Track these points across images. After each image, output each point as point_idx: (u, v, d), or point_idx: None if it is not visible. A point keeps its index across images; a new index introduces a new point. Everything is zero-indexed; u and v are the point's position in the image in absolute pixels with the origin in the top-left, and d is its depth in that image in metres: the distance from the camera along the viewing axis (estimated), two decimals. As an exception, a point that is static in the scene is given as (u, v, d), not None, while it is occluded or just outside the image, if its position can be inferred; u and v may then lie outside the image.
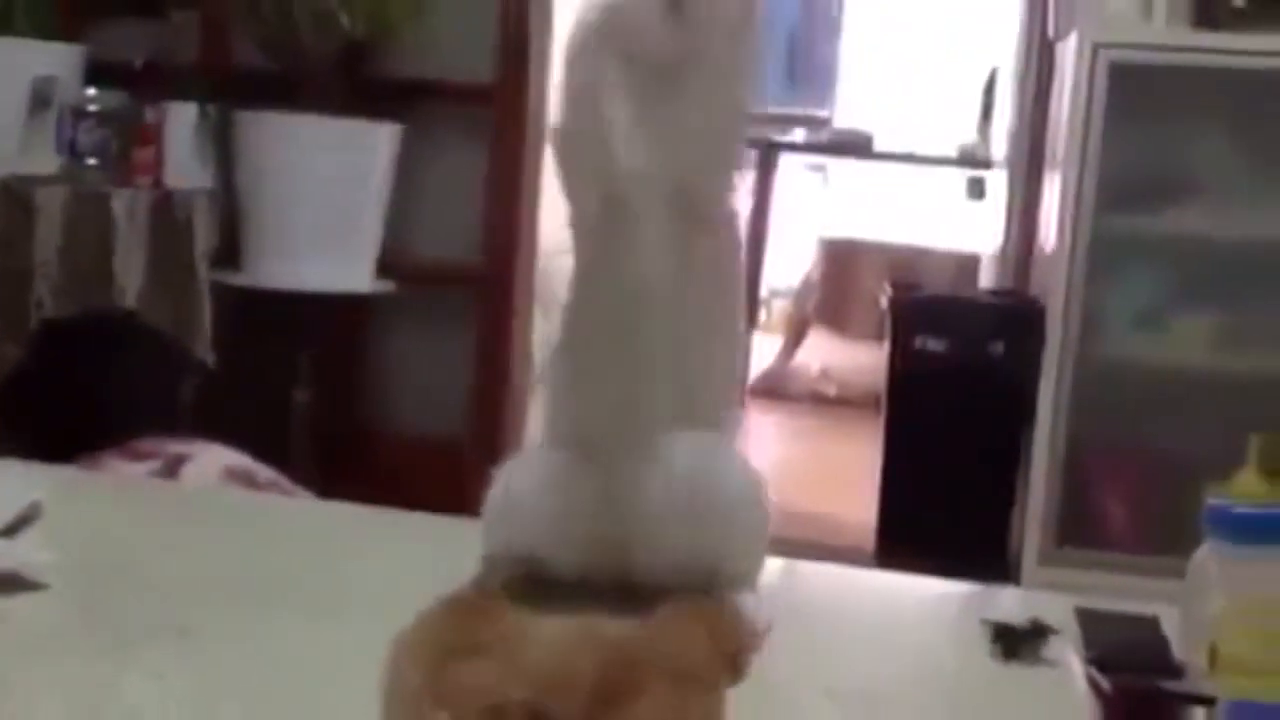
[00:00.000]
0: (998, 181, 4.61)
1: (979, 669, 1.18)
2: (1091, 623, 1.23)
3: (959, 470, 3.68)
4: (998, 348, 3.68)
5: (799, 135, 6.90)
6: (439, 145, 3.85)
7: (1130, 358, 3.50)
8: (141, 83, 3.55)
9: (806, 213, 7.36)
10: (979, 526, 3.66)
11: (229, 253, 3.55)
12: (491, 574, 1.18)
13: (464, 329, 3.95)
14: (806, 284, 6.98)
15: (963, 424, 3.69)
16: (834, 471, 5.05)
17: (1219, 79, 3.38)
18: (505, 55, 3.90)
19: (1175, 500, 3.05)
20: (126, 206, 3.15)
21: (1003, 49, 4.73)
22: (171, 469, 2.50)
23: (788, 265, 7.12)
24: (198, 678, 1.04)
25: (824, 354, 6.65)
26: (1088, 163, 3.37)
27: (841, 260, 6.81)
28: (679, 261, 1.15)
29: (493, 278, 3.95)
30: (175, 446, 2.61)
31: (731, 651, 0.85)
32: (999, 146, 4.73)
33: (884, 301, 3.99)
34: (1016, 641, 1.19)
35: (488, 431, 3.87)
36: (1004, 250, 4.27)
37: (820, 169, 7.69)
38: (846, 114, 6.99)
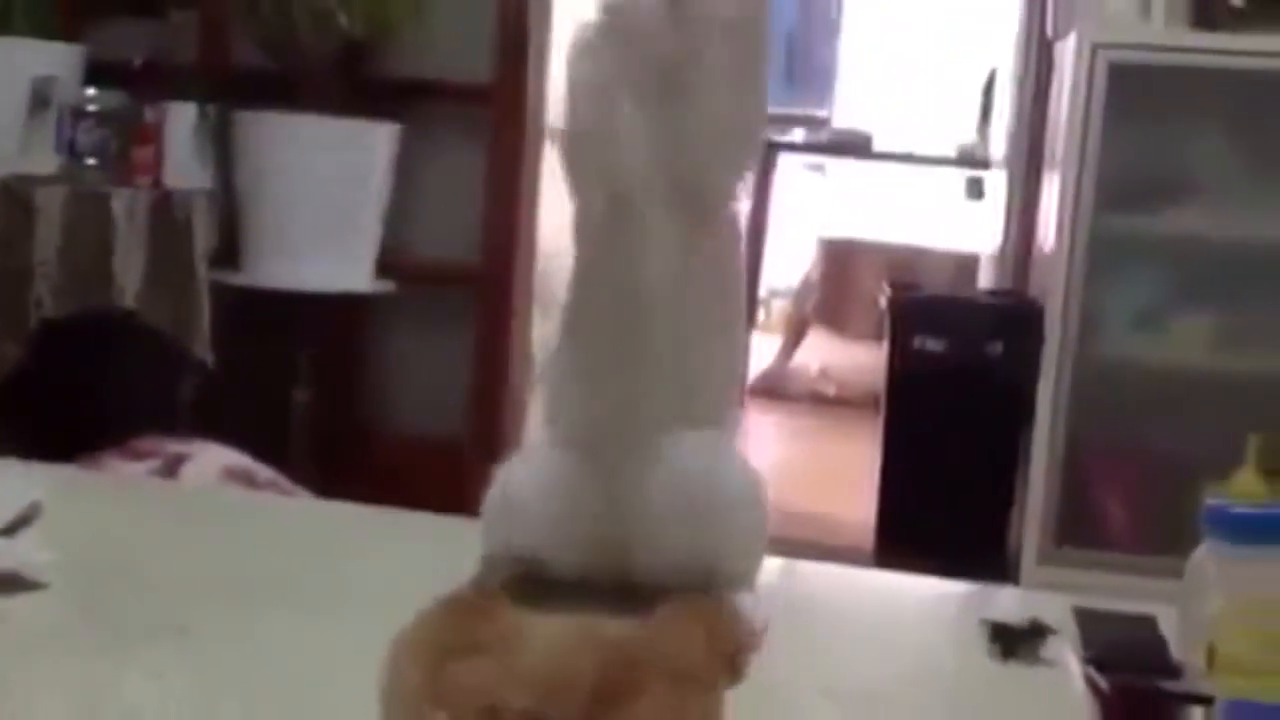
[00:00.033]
0: (997, 181, 4.61)
1: (978, 669, 1.18)
2: (1090, 622, 1.23)
3: (958, 470, 3.68)
4: (996, 348, 3.68)
5: (798, 135, 6.91)
6: (438, 145, 3.85)
7: (1129, 358, 3.50)
8: (141, 82, 3.55)
9: (806, 213, 7.36)
10: (978, 526, 3.66)
11: (228, 252, 3.55)
12: (491, 574, 1.18)
13: (463, 329, 3.95)
14: (806, 284, 6.99)
15: (962, 424, 3.69)
16: (833, 471, 5.05)
17: (1218, 79, 3.38)
18: (504, 55, 3.90)
19: (1174, 500, 3.05)
20: (126, 206, 3.15)
21: (1002, 49, 4.73)
22: (171, 468, 2.50)
23: (787, 265, 7.12)
24: (197, 677, 1.04)
25: (823, 354, 6.65)
26: (1086, 163, 3.37)
27: (840, 260, 6.82)
28: (681, 262, 1.15)
29: (492, 277, 3.95)
30: (174, 446, 2.61)
31: (730, 652, 0.85)
32: (998, 146, 4.73)
33: (883, 301, 4.00)
34: (1015, 641, 1.19)
35: (487, 431, 3.87)
36: (1003, 250, 4.27)
37: (819, 169, 7.70)
38: (845, 114, 7.00)
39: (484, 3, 3.89)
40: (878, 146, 6.50)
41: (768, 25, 1.21)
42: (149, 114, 3.44)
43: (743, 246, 1.29)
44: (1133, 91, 3.38)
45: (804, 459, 5.52)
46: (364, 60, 3.75)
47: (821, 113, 7.00)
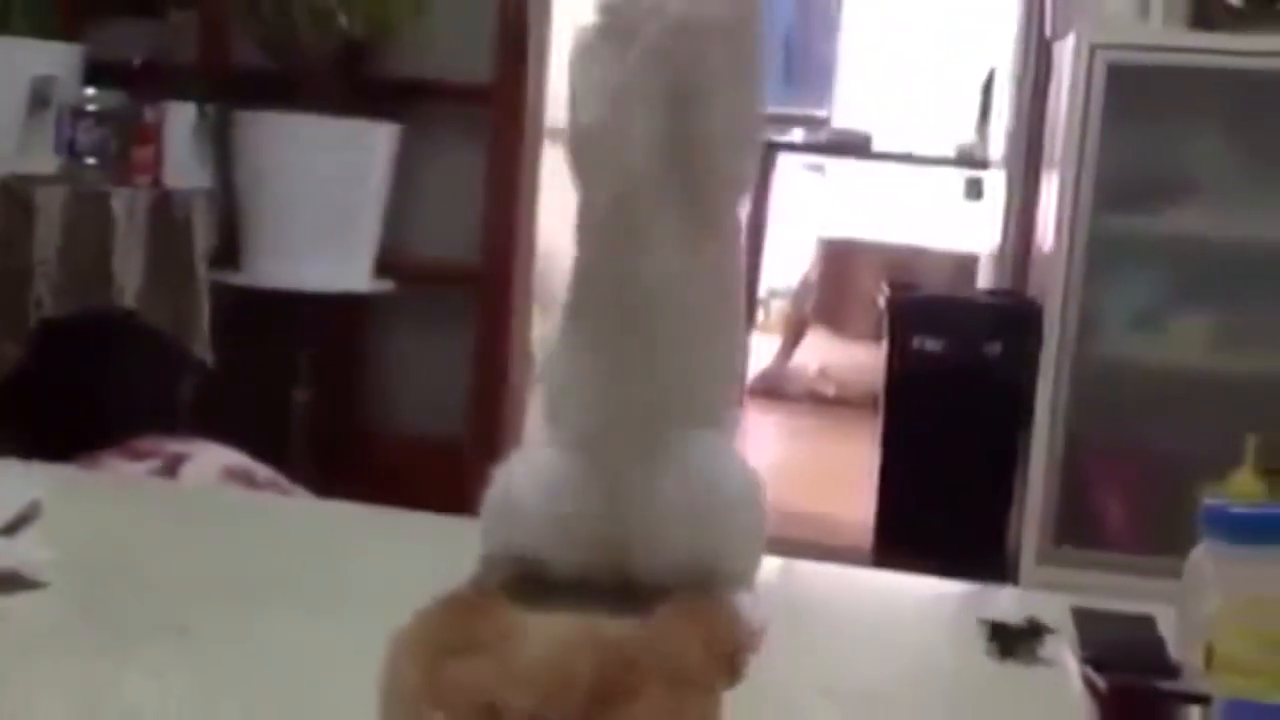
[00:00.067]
0: (995, 181, 4.61)
1: (976, 668, 1.18)
2: (1088, 622, 1.23)
3: (957, 470, 3.68)
4: (995, 348, 3.69)
5: (797, 135, 6.92)
6: (438, 145, 3.85)
7: (1128, 358, 3.51)
8: (140, 82, 3.55)
9: (805, 213, 7.36)
10: (977, 526, 3.67)
11: (228, 252, 3.55)
12: (490, 573, 1.18)
13: (463, 328, 3.95)
14: (805, 284, 6.99)
15: (960, 424, 3.70)
16: (832, 471, 5.05)
17: (1216, 79, 3.38)
18: (504, 55, 3.90)
19: (1173, 500, 3.05)
20: (125, 206, 3.16)
21: (1000, 49, 4.74)
22: (170, 468, 2.50)
23: (786, 265, 7.13)
24: (197, 676, 1.04)
25: (822, 354, 6.65)
26: (1085, 163, 3.38)
27: (840, 260, 6.82)
28: (683, 262, 1.15)
29: (491, 277, 3.95)
30: (174, 446, 2.61)
31: (729, 652, 0.85)
32: (997, 147, 4.74)
33: (882, 301, 4.00)
34: (1013, 641, 1.19)
35: (486, 431, 3.87)
36: (1002, 250, 4.27)
37: (818, 169, 7.70)
38: (845, 114, 7.00)
39: (484, 3, 3.89)
40: (877, 146, 6.51)
41: (761, 25, 1.21)
42: (149, 114, 3.44)
43: (743, 246, 1.29)
44: (1131, 92, 3.39)
45: (803, 459, 5.52)
46: (364, 60, 3.76)
47: (821, 113, 7.00)
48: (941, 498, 3.69)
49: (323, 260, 3.57)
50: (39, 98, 3.31)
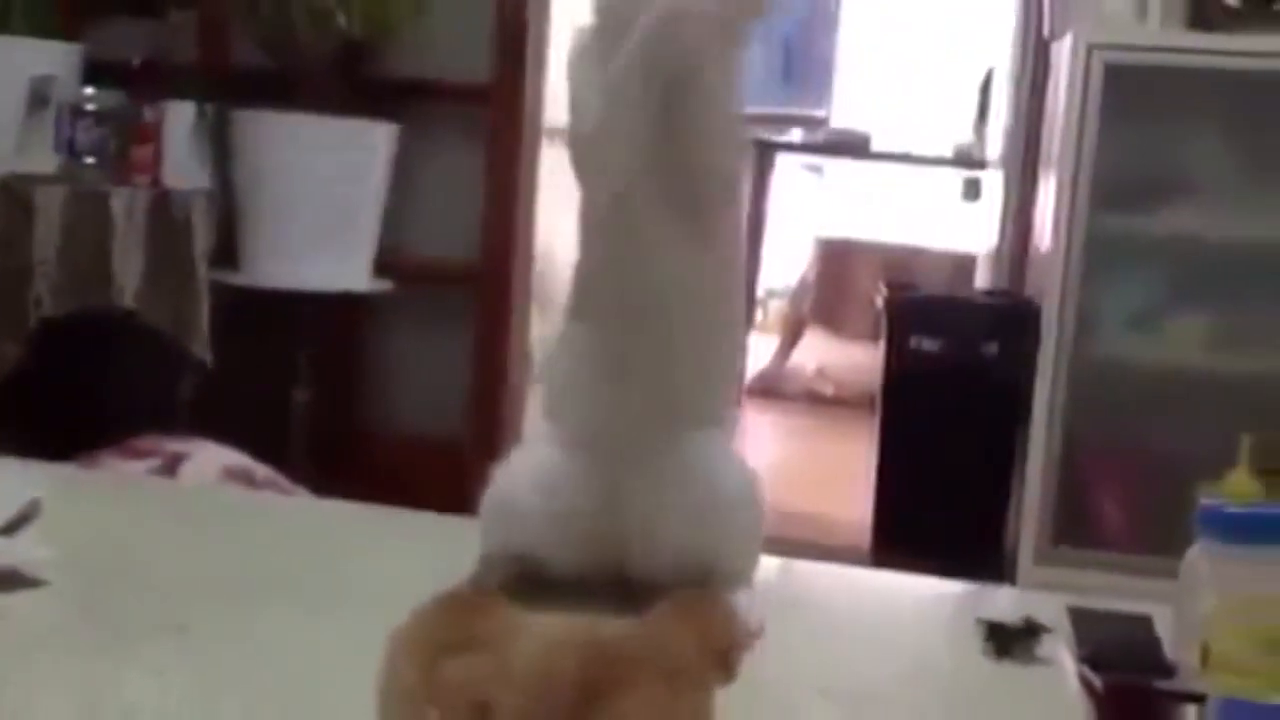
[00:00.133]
0: (993, 181, 4.61)
1: (974, 668, 1.19)
2: (1084, 621, 1.24)
3: (954, 470, 3.69)
4: (993, 348, 3.69)
5: (796, 135, 6.92)
6: (436, 145, 3.85)
7: (1125, 358, 3.51)
8: (139, 82, 3.55)
9: (803, 213, 7.37)
10: (974, 526, 3.67)
11: (227, 252, 3.55)
12: (489, 573, 1.18)
13: (462, 328, 3.95)
14: (803, 284, 6.99)
15: (958, 424, 3.70)
16: (830, 471, 5.05)
17: (1213, 80, 3.38)
18: (502, 55, 3.90)
19: (1170, 500, 3.03)
20: (125, 205, 3.16)
21: (998, 49, 4.74)
22: (170, 468, 2.51)
23: (784, 265, 7.13)
24: (196, 675, 1.05)
25: (820, 354, 6.65)
26: (1082, 163, 3.38)
27: (837, 260, 6.82)
28: (682, 261, 1.16)
29: (490, 277, 3.95)
30: (173, 445, 2.61)
31: (723, 649, 0.85)
32: (994, 147, 4.74)
33: (879, 301, 4.00)
34: (1009, 640, 1.19)
35: (486, 430, 3.88)
36: (999, 250, 4.28)
37: (817, 169, 7.70)
38: (843, 114, 6.99)
39: (483, 3, 3.90)
40: (875, 147, 6.52)
41: (752, 20, 1.22)
42: (148, 113, 3.44)
43: (743, 245, 1.30)
44: (1128, 92, 3.39)
45: (801, 459, 5.52)
46: (363, 60, 3.76)
47: (819, 113, 7.00)
48: (939, 497, 3.69)
49: (322, 260, 3.58)
50: (38, 97, 3.31)
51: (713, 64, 1.15)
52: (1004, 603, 1.40)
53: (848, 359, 6.30)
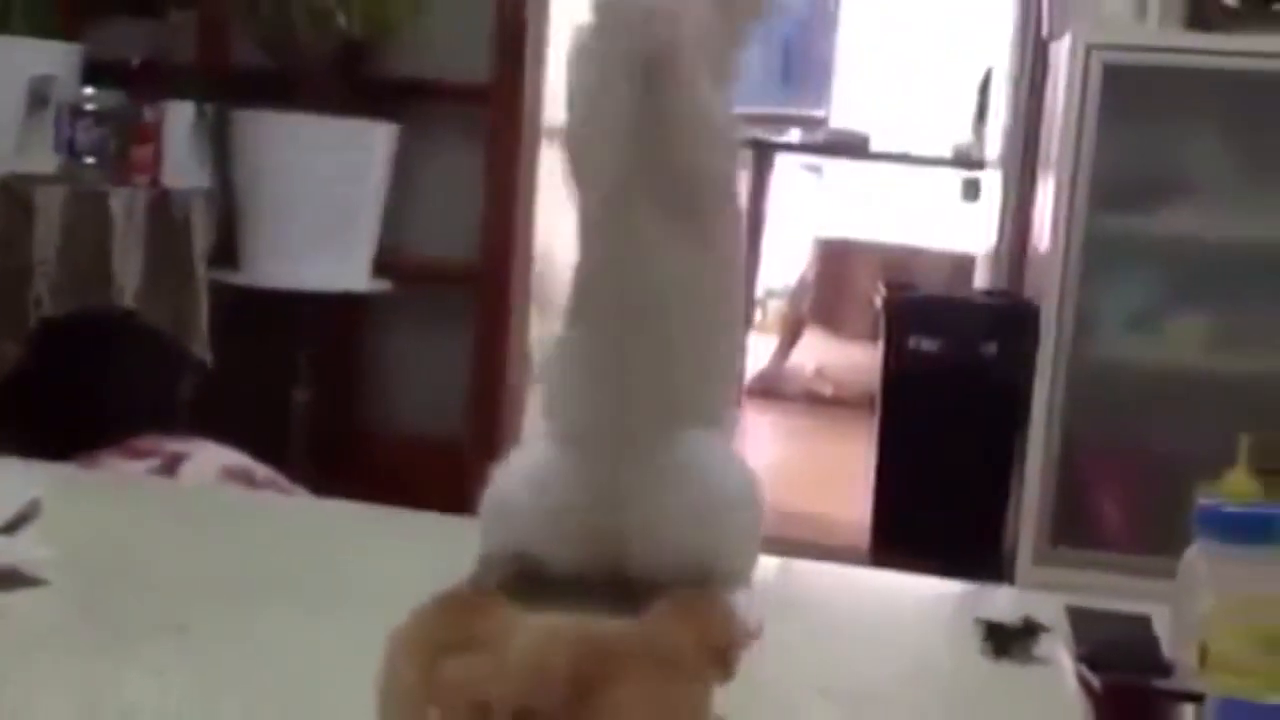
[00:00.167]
0: (992, 182, 4.61)
1: (973, 668, 1.19)
2: (1083, 621, 1.24)
3: (953, 470, 3.69)
4: (991, 348, 3.69)
5: (795, 135, 6.92)
6: (436, 145, 3.86)
7: (1124, 358, 3.51)
8: (139, 82, 3.56)
9: (802, 213, 7.37)
10: (973, 526, 3.67)
11: (227, 252, 3.55)
12: (488, 572, 1.18)
13: (461, 328, 3.95)
14: (802, 284, 6.99)
15: (957, 424, 3.70)
16: (829, 471, 5.05)
17: (1212, 80, 3.39)
18: (502, 55, 3.91)
19: (1169, 500, 3.05)
20: (125, 205, 3.16)
21: (997, 49, 4.74)
22: (170, 467, 2.51)
23: (783, 265, 7.13)
24: (196, 674, 1.05)
25: (819, 354, 6.66)
26: (1081, 163, 3.38)
27: (837, 260, 6.82)
28: (679, 261, 1.16)
29: (489, 277, 3.95)
30: (173, 445, 2.61)
31: (721, 647, 0.85)
32: (993, 147, 4.74)
33: (879, 301, 4.00)
34: (1007, 640, 1.19)
35: (485, 430, 3.88)
36: (998, 250, 4.28)
37: (816, 169, 7.71)
38: (842, 114, 7.00)
39: (482, 3, 3.90)
40: (874, 147, 6.52)
41: (743, 21, 1.22)
42: (147, 113, 3.44)
43: (742, 245, 1.30)
44: (1127, 92, 3.39)
45: (800, 459, 5.53)
46: (362, 60, 3.76)
47: (818, 113, 7.00)
48: (938, 497, 3.69)
49: (321, 260, 3.58)
50: (38, 97, 3.31)
51: (695, 62, 1.14)
52: (1003, 602, 1.40)
53: (847, 359, 6.30)
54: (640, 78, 1.11)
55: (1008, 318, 3.73)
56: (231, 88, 3.64)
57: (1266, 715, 0.93)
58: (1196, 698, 0.97)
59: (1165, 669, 1.09)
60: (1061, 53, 3.55)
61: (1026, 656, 1.19)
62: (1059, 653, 1.17)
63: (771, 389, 6.45)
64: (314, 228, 3.55)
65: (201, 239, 3.34)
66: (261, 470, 2.58)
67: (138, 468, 2.47)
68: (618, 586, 1.15)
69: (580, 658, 0.79)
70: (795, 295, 7.03)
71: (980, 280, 4.70)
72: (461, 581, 1.12)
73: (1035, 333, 3.45)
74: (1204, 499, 1.11)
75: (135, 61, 3.65)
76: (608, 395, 1.17)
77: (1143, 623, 1.22)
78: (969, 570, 1.54)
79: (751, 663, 0.90)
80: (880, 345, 3.89)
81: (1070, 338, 3.42)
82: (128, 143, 3.38)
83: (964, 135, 5.92)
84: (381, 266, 3.72)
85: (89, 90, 3.38)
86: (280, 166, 3.54)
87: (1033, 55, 4.15)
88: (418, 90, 3.84)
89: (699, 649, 0.83)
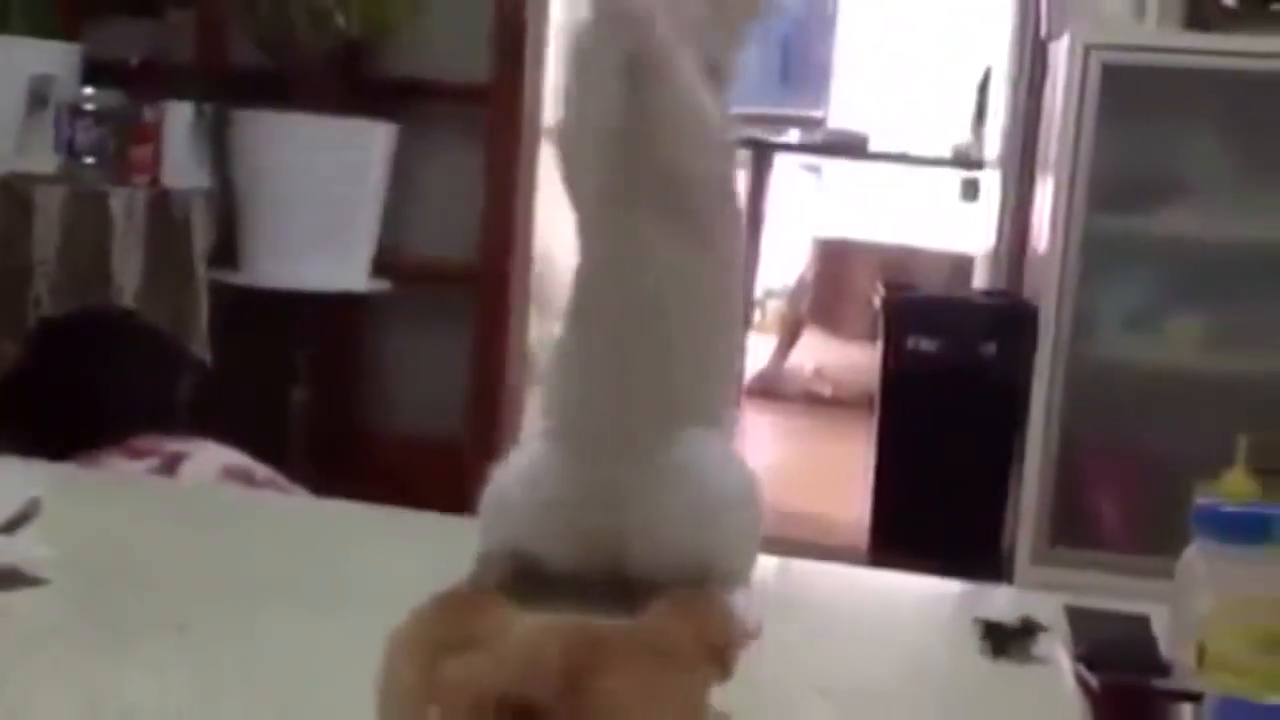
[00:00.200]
0: (991, 182, 4.62)
1: (971, 667, 1.19)
2: (1081, 621, 1.24)
3: (952, 470, 3.69)
4: (990, 348, 3.69)
5: (793, 136, 6.92)
6: (435, 144, 3.86)
7: (1122, 358, 3.51)
8: (138, 81, 3.56)
9: (801, 213, 7.37)
10: (972, 526, 3.67)
11: (226, 251, 3.55)
12: (487, 571, 1.19)
13: (460, 328, 3.96)
14: (800, 284, 6.99)
15: (956, 424, 3.70)
16: (828, 471, 5.05)
17: (1211, 80, 3.39)
18: (501, 55, 3.91)
19: (1168, 500, 3.04)
20: (124, 205, 3.16)
21: (996, 49, 4.74)
22: (169, 467, 2.51)
23: (782, 265, 7.13)
24: (196, 673, 1.05)
25: (818, 354, 6.66)
26: (1080, 163, 3.38)
27: (835, 260, 6.82)
28: (674, 263, 1.16)
29: (489, 277, 3.95)
30: (173, 445, 2.62)
31: (719, 644, 0.86)
32: (992, 147, 4.74)
33: (877, 302, 4.00)
34: (1005, 639, 1.20)
35: (484, 430, 3.88)
36: (997, 251, 4.28)
37: (815, 169, 7.71)
38: (841, 114, 7.00)
39: (481, 3, 3.90)
40: (873, 147, 6.51)
41: (736, 24, 1.22)
42: (147, 113, 3.44)
43: (742, 245, 1.30)
44: (1126, 92, 3.39)
45: (799, 459, 5.53)
46: (361, 60, 3.76)
47: (817, 113, 7.00)
48: (937, 498, 3.69)
49: (321, 260, 3.58)
50: (37, 97, 3.31)
51: (683, 62, 1.14)
52: (1001, 602, 1.41)
53: (846, 359, 6.30)
54: (626, 78, 1.11)
55: (1006, 318, 3.73)
56: (230, 87, 3.64)
57: (1264, 715, 0.93)
58: (1194, 697, 0.97)
59: (1163, 669, 1.09)
60: (1060, 53, 3.55)
61: (1025, 656, 1.19)
62: (1057, 652, 1.17)
63: (770, 389, 6.45)
64: (313, 228, 3.56)
65: (201, 239, 3.34)
66: (261, 470, 2.59)
67: (137, 467, 2.48)
68: (617, 587, 1.15)
69: (573, 648, 0.79)
70: (794, 295, 7.03)
71: (979, 280, 4.70)
72: (461, 581, 1.13)
73: (1034, 333, 3.45)
74: (1202, 499, 1.12)
75: (134, 61, 3.66)
76: (607, 395, 1.17)
77: (1141, 622, 1.22)
78: (968, 570, 1.55)
79: (750, 662, 0.90)
80: (879, 345, 3.89)
81: (1069, 338, 3.42)
82: (127, 142, 3.38)
83: (963, 135, 5.91)
84: (381, 266, 3.72)
85: (88, 90, 3.38)
86: (279, 166, 3.54)
87: (1031, 55, 4.15)
88: (417, 90, 3.84)
89: (696, 644, 0.83)
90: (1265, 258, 3.42)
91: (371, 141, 3.65)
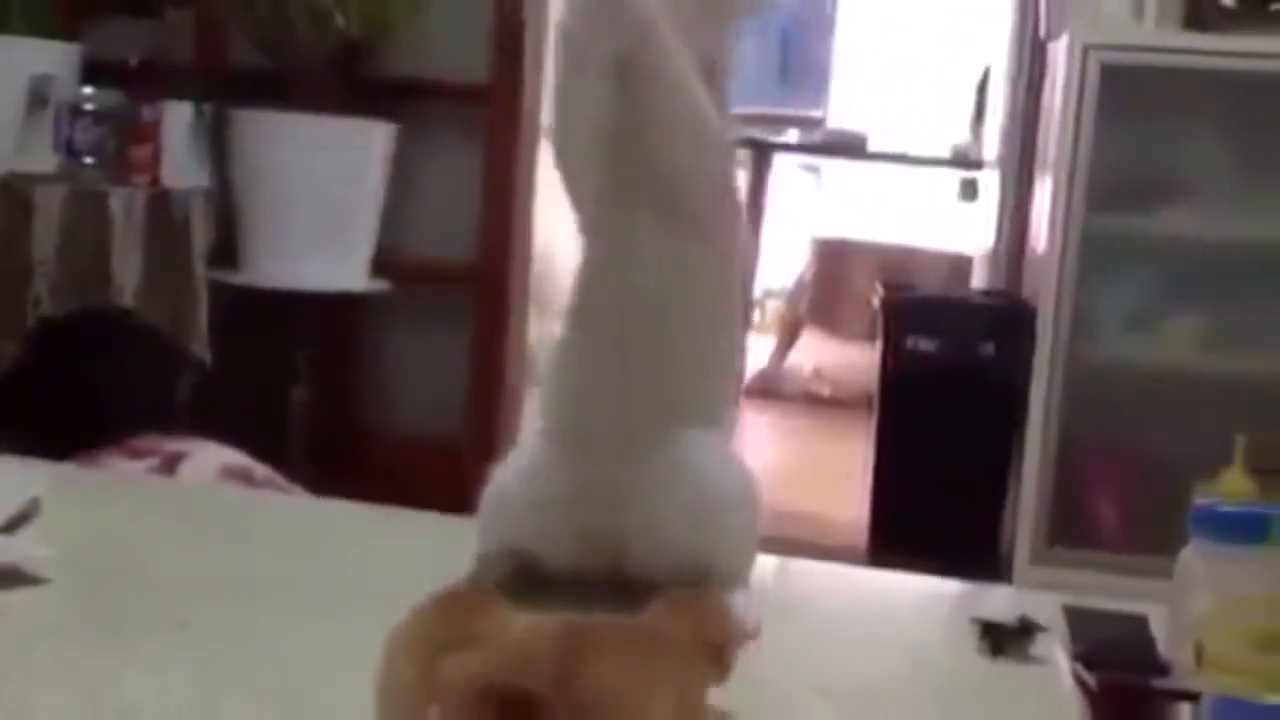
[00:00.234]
0: (990, 182, 4.62)
1: (970, 667, 1.19)
2: (1079, 620, 1.24)
3: (951, 470, 3.69)
4: (989, 348, 3.69)
5: (792, 136, 6.92)
6: (434, 144, 3.86)
7: (1121, 358, 3.52)
8: (138, 81, 3.56)
9: (800, 213, 7.37)
10: (971, 526, 3.67)
11: (225, 251, 3.56)
12: (486, 571, 1.19)
13: (460, 328, 3.96)
14: (799, 284, 6.99)
15: (955, 424, 3.70)
16: (827, 471, 5.05)
17: (1209, 80, 3.39)
18: (500, 55, 3.91)
19: (1166, 500, 3.04)
20: (124, 205, 3.16)
21: (995, 49, 4.75)
22: (169, 467, 2.51)
23: (781, 265, 7.13)
24: (196, 672, 1.05)
25: (817, 354, 6.66)
26: (1078, 163, 3.39)
27: (834, 260, 6.82)
28: (675, 260, 1.16)
29: (488, 277, 3.95)
30: (172, 444, 2.62)
31: (717, 643, 0.86)
32: (991, 147, 4.74)
33: (876, 302, 4.01)
34: (1004, 639, 1.20)
35: (484, 430, 3.88)
36: (996, 251, 4.28)
37: (814, 169, 7.71)
38: (840, 114, 7.00)
39: (481, 2, 3.90)
40: (872, 147, 6.52)
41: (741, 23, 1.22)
42: (146, 113, 3.44)
43: (743, 242, 1.30)
44: (1125, 92, 3.40)
45: (798, 459, 5.53)
46: (360, 60, 3.76)
47: (816, 113, 7.00)
48: (936, 498, 3.69)
49: (320, 260, 3.58)
50: (37, 97, 3.31)
51: (674, 60, 1.14)
52: (1000, 602, 1.40)
53: (844, 359, 6.31)
54: (614, 76, 1.11)
55: (1005, 318, 3.73)
56: (230, 87, 3.64)
57: (1263, 715, 0.93)
58: (1193, 697, 0.97)
59: (1162, 668, 1.09)
60: (1059, 53, 3.55)
61: (1023, 656, 1.19)
62: (1055, 652, 1.17)
63: (769, 389, 6.45)
64: (313, 228, 3.56)
65: (200, 239, 3.34)
66: (260, 469, 2.59)
67: (137, 467, 2.48)
68: (617, 586, 1.15)
69: (566, 637, 0.79)
70: (793, 295, 7.03)
71: (978, 280, 4.70)
72: (460, 580, 1.13)
73: (1033, 333, 3.46)
74: (1200, 499, 1.12)
75: (134, 61, 3.66)
76: (606, 395, 1.17)
77: (1139, 622, 1.22)
78: (966, 570, 1.55)
79: (749, 662, 0.90)
80: (878, 345, 3.89)
81: (1067, 338, 3.42)
82: (126, 142, 3.38)
83: (962, 135, 5.92)
84: (380, 266, 3.72)
85: (88, 90, 3.39)
86: (279, 166, 3.54)
87: (1030, 55, 4.15)
88: (416, 90, 3.84)
89: (695, 643, 0.84)
90: (1264, 258, 3.42)
91: (371, 141, 3.65)
